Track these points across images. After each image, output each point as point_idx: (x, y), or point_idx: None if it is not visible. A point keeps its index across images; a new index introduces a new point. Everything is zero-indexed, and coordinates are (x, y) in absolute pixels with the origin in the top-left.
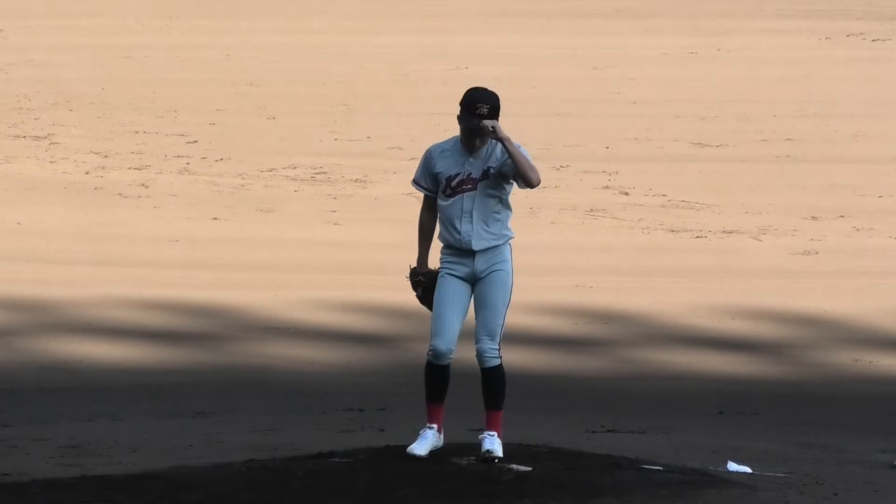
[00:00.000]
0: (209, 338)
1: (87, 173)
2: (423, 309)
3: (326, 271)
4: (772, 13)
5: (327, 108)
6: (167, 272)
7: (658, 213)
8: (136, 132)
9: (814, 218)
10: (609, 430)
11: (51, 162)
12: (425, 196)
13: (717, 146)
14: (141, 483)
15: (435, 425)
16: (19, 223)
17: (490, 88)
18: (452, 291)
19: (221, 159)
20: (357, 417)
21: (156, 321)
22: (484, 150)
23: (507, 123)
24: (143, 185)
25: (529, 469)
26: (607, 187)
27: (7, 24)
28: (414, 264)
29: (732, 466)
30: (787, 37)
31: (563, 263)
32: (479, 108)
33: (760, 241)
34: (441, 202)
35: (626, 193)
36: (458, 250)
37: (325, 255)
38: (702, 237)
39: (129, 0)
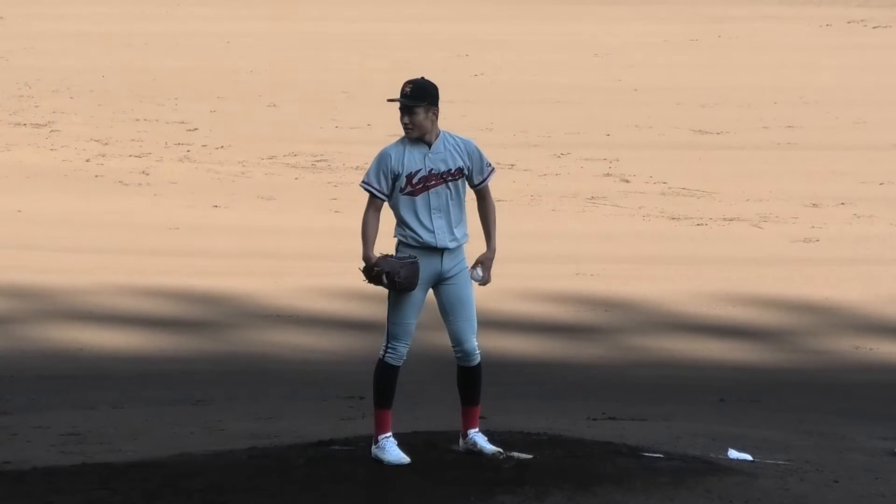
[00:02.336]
0: (210, 325)
1: (87, 161)
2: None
3: (327, 259)
4: (773, 0)
5: (328, 96)
6: (167, 260)
7: (659, 201)
8: (137, 120)
9: (814, 205)
10: (610, 418)
11: (51, 150)
12: (373, 198)
13: (718, 133)
14: (142, 471)
15: (390, 433)
16: (20, 211)
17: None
18: (417, 299)
19: (222, 147)
20: (358, 405)
21: (156, 309)
22: (440, 144)
23: (507, 111)
24: (143, 172)
25: (530, 457)
26: (608, 175)
27: (7, 11)
28: (362, 263)
29: (733, 454)
30: (787, 23)
31: (563, 251)
32: (404, 87)
33: (761, 228)
34: (399, 202)
35: (627, 181)
36: (425, 250)
37: (325, 243)
38: (702, 224)
39: None
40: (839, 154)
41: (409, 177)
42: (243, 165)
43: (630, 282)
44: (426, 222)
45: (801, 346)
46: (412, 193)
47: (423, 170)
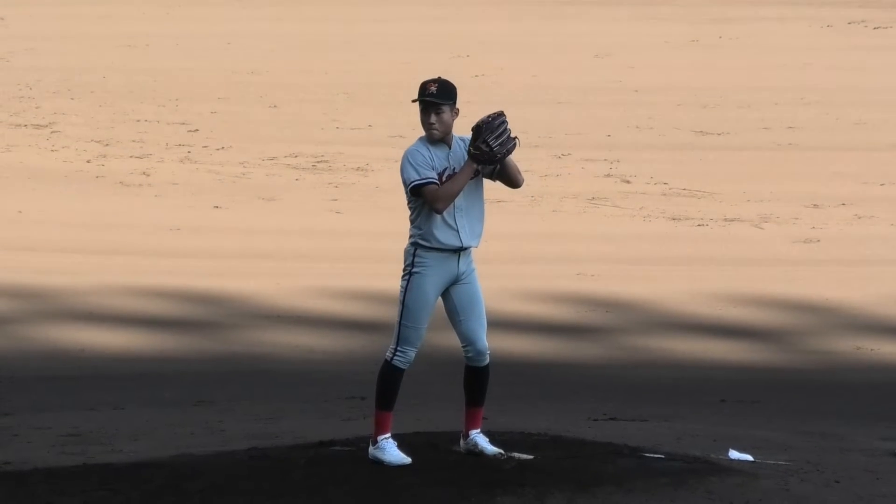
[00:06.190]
0: (211, 326)
1: (88, 162)
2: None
3: (328, 259)
4: (773, 0)
5: (328, 97)
6: (168, 260)
7: (659, 202)
8: (138, 120)
9: (815, 206)
10: (611, 419)
11: (52, 150)
12: (427, 189)
13: (719, 134)
14: (142, 471)
15: (390, 434)
16: (20, 212)
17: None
18: (431, 301)
19: (223, 148)
20: (359, 406)
21: (157, 309)
22: (456, 145)
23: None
24: (144, 173)
25: (531, 457)
26: (609, 175)
27: (8, 11)
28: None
29: (734, 454)
30: (788, 24)
31: (564, 252)
32: (428, 87)
33: (762, 229)
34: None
35: (628, 182)
36: (443, 252)
37: (326, 244)
38: (703, 225)
39: None
40: (840, 155)
41: (440, 175)
42: (244, 166)
43: (631, 282)
44: (450, 221)
45: (802, 347)
46: None
47: (448, 169)
